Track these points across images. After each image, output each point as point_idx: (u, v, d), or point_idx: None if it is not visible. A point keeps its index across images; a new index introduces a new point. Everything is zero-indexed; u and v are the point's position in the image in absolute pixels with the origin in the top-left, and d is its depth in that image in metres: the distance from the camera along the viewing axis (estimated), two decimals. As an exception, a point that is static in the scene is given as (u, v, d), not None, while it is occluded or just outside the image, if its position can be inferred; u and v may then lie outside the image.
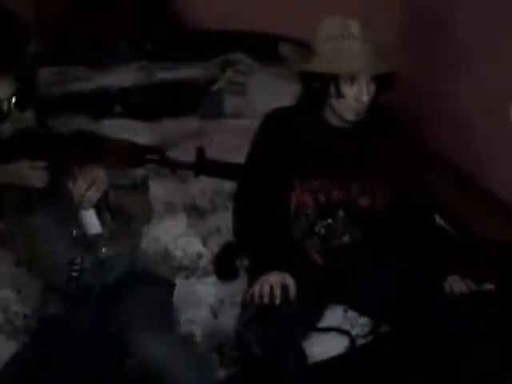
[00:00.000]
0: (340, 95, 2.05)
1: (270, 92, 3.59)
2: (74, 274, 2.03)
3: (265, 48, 4.10)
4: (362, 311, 2.18)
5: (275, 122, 2.22)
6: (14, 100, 2.00)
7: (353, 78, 2.03)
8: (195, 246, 2.61)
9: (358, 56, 2.01)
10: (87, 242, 2.04)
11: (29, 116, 2.06)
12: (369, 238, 2.17)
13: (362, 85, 2.03)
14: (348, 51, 2.01)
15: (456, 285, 2.05)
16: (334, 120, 2.14)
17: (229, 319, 2.26)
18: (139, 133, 3.46)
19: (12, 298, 2.27)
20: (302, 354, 2.07)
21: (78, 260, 2.02)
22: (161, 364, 1.87)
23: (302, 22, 3.55)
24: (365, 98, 2.04)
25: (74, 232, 2.04)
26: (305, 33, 2.31)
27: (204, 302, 2.33)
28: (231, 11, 4.01)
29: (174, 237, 2.66)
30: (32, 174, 1.98)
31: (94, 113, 3.74)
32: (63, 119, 2.19)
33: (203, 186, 3.00)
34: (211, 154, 3.27)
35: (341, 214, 2.16)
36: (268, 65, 4.00)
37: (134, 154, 2.08)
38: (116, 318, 2.02)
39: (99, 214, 2.02)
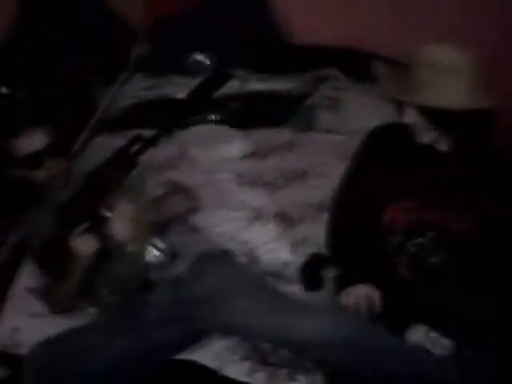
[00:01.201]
0: None
1: (363, 109, 3.62)
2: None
3: (358, 65, 4.10)
4: (444, 332, 2.17)
5: (378, 139, 2.26)
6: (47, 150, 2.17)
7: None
8: (282, 253, 2.64)
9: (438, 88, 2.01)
10: None
11: (59, 163, 2.23)
12: (457, 261, 2.17)
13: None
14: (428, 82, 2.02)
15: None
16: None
17: None
18: (231, 140, 3.55)
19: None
20: None
21: None
22: None
23: (396, 42, 3.60)
24: (404, 119, 2.08)
25: None
26: (399, 52, 2.32)
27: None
28: (328, 26, 4.05)
29: (263, 242, 2.70)
30: (79, 241, 2.09)
31: (186, 118, 3.85)
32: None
33: (295, 197, 3.04)
34: (300, 165, 3.35)
35: (431, 234, 2.19)
36: (360, 82, 4.02)
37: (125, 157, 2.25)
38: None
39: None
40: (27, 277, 2.54)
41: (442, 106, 2.00)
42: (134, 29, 4.26)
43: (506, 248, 2.18)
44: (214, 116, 3.81)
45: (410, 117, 2.06)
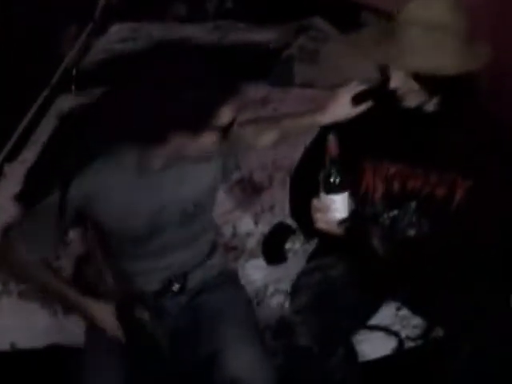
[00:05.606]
0: None
1: (345, 61, 3.40)
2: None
3: (346, 15, 3.91)
4: (415, 309, 2.05)
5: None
6: None
7: None
8: (245, 223, 2.49)
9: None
10: None
11: None
12: (438, 232, 1.98)
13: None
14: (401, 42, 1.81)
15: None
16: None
17: (271, 308, 2.17)
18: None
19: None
20: (352, 350, 1.98)
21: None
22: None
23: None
24: (391, 85, 1.86)
25: None
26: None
27: (249, 288, 2.18)
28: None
29: (225, 211, 2.53)
30: None
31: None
32: None
33: (265, 159, 2.86)
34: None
35: (412, 205, 1.98)
36: (347, 32, 3.80)
37: None
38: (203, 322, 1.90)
39: None
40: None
41: (434, 71, 1.79)
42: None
43: (493, 219, 1.95)
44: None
45: (398, 81, 1.85)
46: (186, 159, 1.72)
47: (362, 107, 1.93)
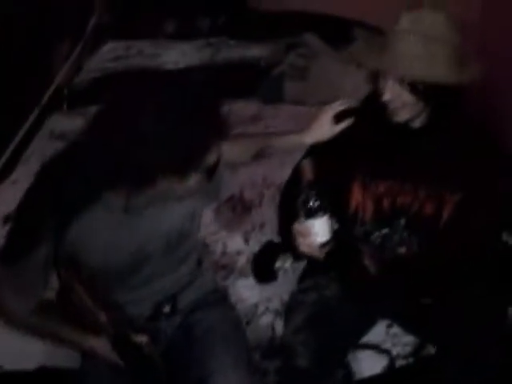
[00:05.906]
0: None
1: (333, 78, 3.43)
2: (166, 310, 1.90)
3: (338, 31, 3.92)
4: (407, 326, 2.04)
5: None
6: None
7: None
8: (236, 242, 2.48)
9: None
10: None
11: None
12: (427, 249, 1.97)
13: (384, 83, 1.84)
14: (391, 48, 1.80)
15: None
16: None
17: (261, 327, 2.15)
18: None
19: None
20: (348, 369, 1.99)
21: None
22: None
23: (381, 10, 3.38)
24: (385, 97, 1.83)
25: None
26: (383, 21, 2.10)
27: (239, 307, 2.16)
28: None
29: (215, 230, 2.53)
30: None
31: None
32: None
33: (255, 176, 2.85)
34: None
35: (402, 222, 1.97)
36: (339, 48, 3.82)
37: None
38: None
39: None
40: None
41: (428, 79, 1.78)
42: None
43: (483, 229, 1.93)
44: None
45: (392, 93, 1.82)
46: (171, 197, 1.72)
47: (343, 125, 1.92)
